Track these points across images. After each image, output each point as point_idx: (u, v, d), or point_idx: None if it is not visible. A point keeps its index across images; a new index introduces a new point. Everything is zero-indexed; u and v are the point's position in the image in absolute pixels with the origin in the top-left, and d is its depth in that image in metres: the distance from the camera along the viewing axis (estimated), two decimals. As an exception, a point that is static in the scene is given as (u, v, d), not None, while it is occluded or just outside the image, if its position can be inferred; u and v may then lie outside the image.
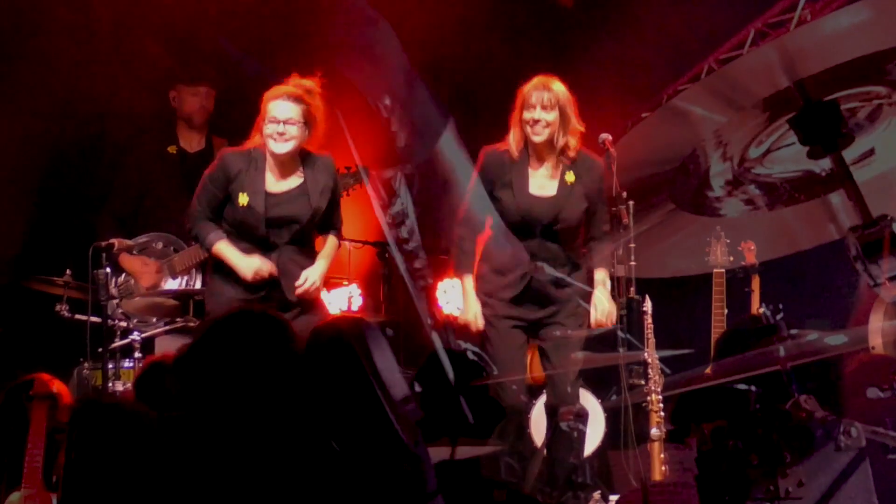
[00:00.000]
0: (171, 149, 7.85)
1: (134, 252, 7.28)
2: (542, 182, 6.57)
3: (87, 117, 8.03)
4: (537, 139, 6.46)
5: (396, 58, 8.10)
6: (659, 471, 5.97)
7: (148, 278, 7.40)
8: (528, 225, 6.49)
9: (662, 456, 5.99)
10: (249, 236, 6.45)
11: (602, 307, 6.42)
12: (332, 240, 6.63)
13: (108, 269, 6.68)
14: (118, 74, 8.12)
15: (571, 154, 6.45)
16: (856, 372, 5.31)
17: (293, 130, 6.38)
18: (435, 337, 6.05)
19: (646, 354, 6.21)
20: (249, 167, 6.46)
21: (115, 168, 7.90)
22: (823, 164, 4.81)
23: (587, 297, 6.48)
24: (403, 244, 6.68)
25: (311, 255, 6.56)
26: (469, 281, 6.58)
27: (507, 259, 6.49)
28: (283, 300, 6.42)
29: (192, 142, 7.92)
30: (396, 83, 7.52)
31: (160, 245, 7.45)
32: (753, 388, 5.05)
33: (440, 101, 7.50)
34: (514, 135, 6.54)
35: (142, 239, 7.41)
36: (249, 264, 6.37)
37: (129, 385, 6.61)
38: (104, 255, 6.65)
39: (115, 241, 6.75)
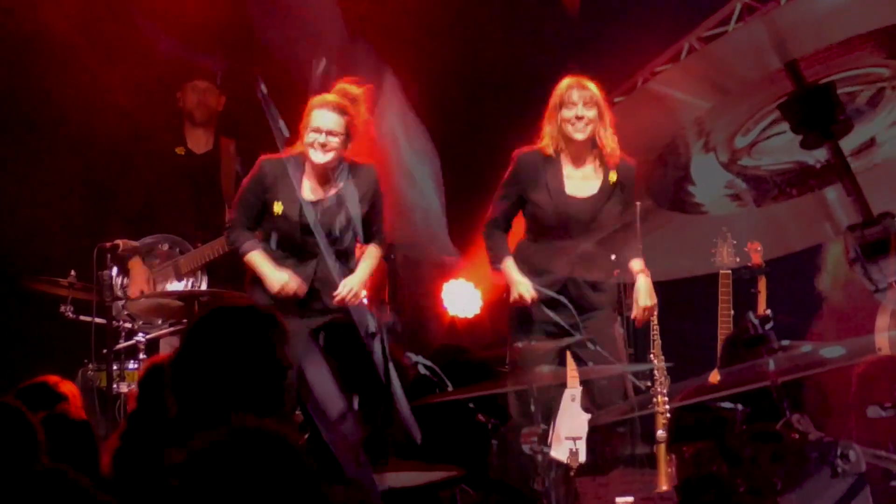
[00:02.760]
0: (179, 150, 8.55)
1: (141, 253, 8.00)
2: (580, 183, 7.26)
3: (94, 117, 8.81)
4: (580, 136, 7.16)
5: (330, 23, 8.24)
6: (665, 474, 6.08)
7: (138, 290, 7.99)
8: (564, 226, 7.21)
9: (669, 458, 6.14)
10: (286, 245, 7.13)
11: (645, 298, 7.13)
12: (372, 248, 7.33)
13: (115, 270, 7.47)
14: (126, 75, 8.85)
15: (614, 155, 7.19)
16: (863, 374, 5.33)
17: (335, 142, 7.03)
18: (375, 344, 6.22)
19: (651, 356, 6.72)
20: (286, 175, 7.08)
21: (123, 168, 8.62)
22: (818, 155, 4.81)
23: (617, 304, 7.31)
24: (313, 205, 6.99)
25: (350, 265, 7.24)
26: (510, 261, 7.37)
27: (546, 260, 7.22)
28: (324, 308, 7.09)
29: (199, 142, 8.60)
30: (329, 52, 7.66)
31: (166, 246, 8.17)
32: (740, 406, 5.06)
33: (378, 62, 7.73)
34: (550, 135, 7.25)
35: (148, 240, 8.13)
36: (278, 278, 7.03)
37: (133, 386, 7.12)
38: (109, 255, 7.41)
39: (119, 242, 7.55)
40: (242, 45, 8.80)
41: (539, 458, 6.17)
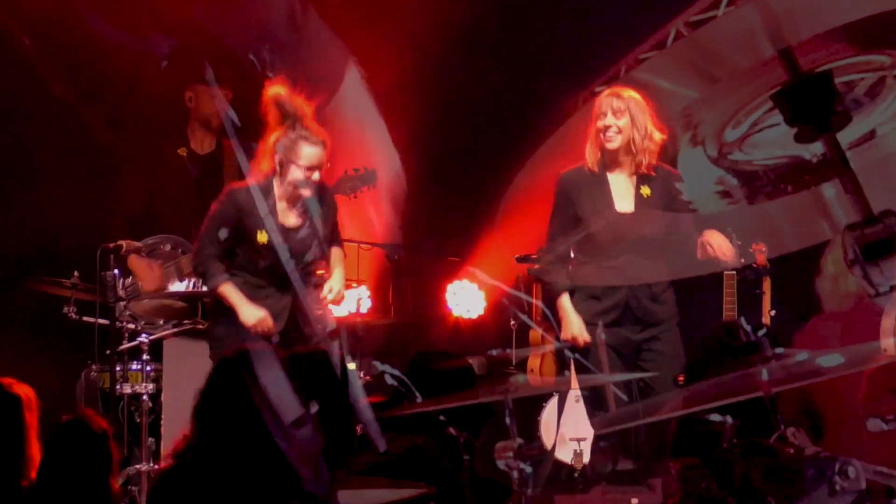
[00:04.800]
0: (182, 150, 8.95)
1: (142, 254, 8.32)
2: (624, 197, 7.60)
3: (98, 117, 9.27)
4: (611, 146, 7.53)
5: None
6: None
7: (151, 282, 8.33)
8: (616, 242, 7.57)
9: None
10: (265, 272, 7.45)
11: (718, 241, 7.47)
12: (337, 251, 7.76)
13: (117, 271, 7.76)
14: (129, 74, 9.25)
15: (648, 165, 7.53)
16: (873, 376, 5.33)
17: (319, 175, 7.48)
18: (334, 346, 6.35)
19: None
20: (260, 203, 7.42)
21: (126, 169, 8.97)
22: (814, 149, 4.80)
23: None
24: (291, 232, 7.29)
25: (318, 282, 7.60)
26: (566, 299, 7.69)
27: (604, 281, 7.58)
28: (304, 337, 7.44)
29: (202, 143, 8.98)
30: (277, 23, 7.82)
31: (168, 247, 8.56)
32: (730, 418, 5.05)
33: (340, 43, 7.90)
34: (590, 148, 7.64)
35: (150, 241, 8.48)
36: (254, 314, 7.34)
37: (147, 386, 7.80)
38: (112, 256, 7.75)
39: (123, 242, 7.89)
40: (189, 28, 8.91)
41: (515, 474, 6.14)
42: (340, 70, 8.14)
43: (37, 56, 8.99)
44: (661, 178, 7.51)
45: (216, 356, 7.28)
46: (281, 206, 7.51)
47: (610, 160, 7.54)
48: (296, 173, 7.39)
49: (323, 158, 7.42)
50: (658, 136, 7.47)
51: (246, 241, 7.42)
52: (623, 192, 7.57)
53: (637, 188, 7.55)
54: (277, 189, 7.47)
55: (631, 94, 7.50)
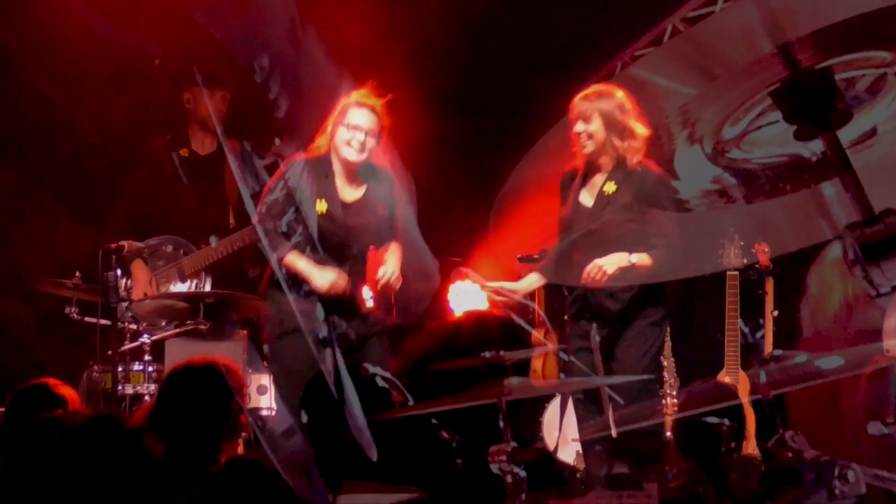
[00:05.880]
0: (183, 151, 8.94)
1: (144, 254, 8.40)
2: (588, 192, 7.48)
3: (99, 117, 9.19)
4: (585, 151, 7.39)
5: (280, 5, 8.37)
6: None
7: (141, 292, 8.41)
8: (571, 234, 7.44)
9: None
10: (325, 245, 7.53)
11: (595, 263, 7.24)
12: (395, 244, 7.70)
13: (119, 271, 7.77)
14: (129, 74, 9.20)
15: (635, 163, 7.30)
16: (873, 376, 5.33)
17: (371, 142, 7.51)
18: (326, 354, 6.31)
19: (661, 358, 7.14)
20: (319, 174, 7.56)
21: (127, 170, 8.95)
22: (814, 147, 4.79)
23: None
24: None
25: (369, 269, 7.63)
26: (533, 276, 7.66)
27: (564, 272, 7.50)
28: (352, 311, 7.52)
29: (203, 144, 8.98)
30: (278, 36, 7.82)
31: (170, 248, 8.61)
32: (727, 421, 5.04)
33: (336, 61, 7.93)
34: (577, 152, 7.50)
35: (152, 241, 8.51)
36: (326, 276, 7.44)
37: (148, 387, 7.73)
38: (114, 257, 7.71)
39: (125, 243, 7.88)
40: (179, 29, 8.93)
41: (508, 478, 6.12)
42: (337, 86, 8.12)
43: (32, 60, 9.01)
44: (636, 178, 7.38)
45: (272, 333, 7.46)
46: (340, 181, 7.60)
47: (590, 162, 7.45)
48: (341, 134, 7.49)
49: (371, 122, 7.49)
50: (641, 131, 7.34)
51: (304, 212, 7.52)
52: (592, 190, 7.50)
53: (603, 184, 7.46)
54: (337, 164, 7.59)
55: (601, 93, 7.38)
